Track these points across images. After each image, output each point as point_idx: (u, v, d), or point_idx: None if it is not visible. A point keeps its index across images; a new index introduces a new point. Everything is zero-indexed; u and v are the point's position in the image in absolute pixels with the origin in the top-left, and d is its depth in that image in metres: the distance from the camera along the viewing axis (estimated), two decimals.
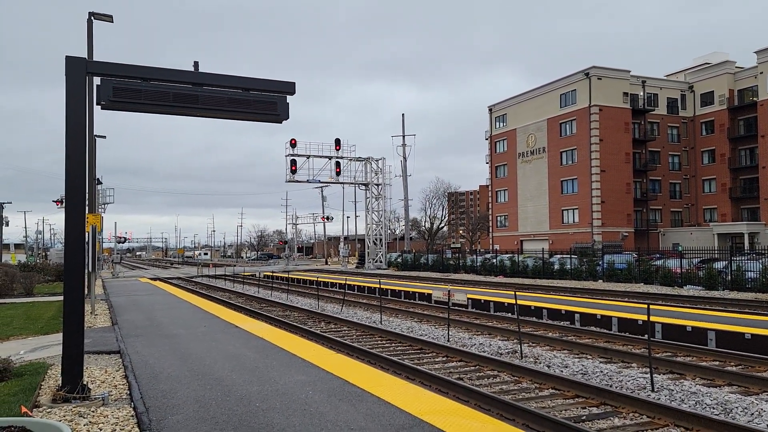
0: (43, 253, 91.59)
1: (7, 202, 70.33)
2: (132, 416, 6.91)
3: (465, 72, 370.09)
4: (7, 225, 71.49)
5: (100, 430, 6.40)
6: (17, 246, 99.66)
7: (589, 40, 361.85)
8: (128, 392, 8.08)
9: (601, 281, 35.48)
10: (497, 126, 74.66)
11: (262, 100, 8.15)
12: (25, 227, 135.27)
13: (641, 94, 63.58)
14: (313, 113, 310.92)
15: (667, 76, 70.04)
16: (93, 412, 7.04)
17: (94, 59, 19.80)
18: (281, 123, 8.48)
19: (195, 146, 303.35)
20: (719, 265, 30.51)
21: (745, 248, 48.05)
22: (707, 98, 64.75)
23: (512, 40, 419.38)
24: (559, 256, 43.17)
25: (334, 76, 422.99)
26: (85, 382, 7.57)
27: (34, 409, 7.06)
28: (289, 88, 8.32)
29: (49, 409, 7.08)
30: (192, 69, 7.97)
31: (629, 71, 62.42)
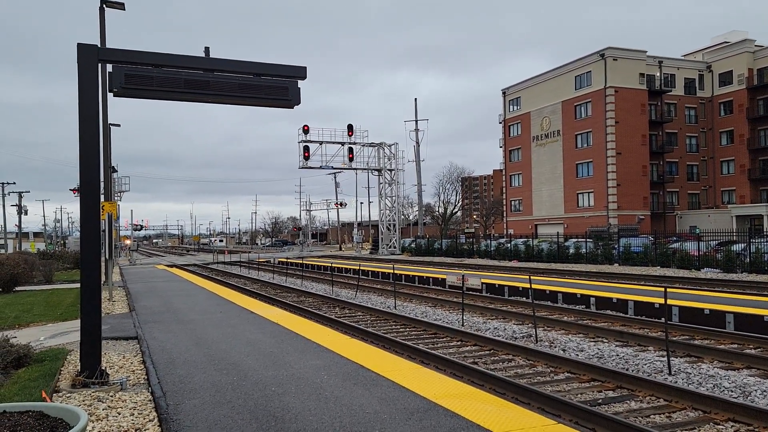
0: (62, 242, 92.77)
1: (26, 191, 71.31)
2: (150, 401, 7.00)
3: (493, 59, 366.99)
4: (26, 214, 72.51)
5: (119, 414, 6.48)
6: (36, 234, 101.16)
7: (619, 27, 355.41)
8: (146, 377, 8.18)
9: (617, 265, 35.21)
10: (511, 109, 73.94)
11: (274, 86, 8.10)
12: (44, 216, 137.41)
13: (658, 74, 62.51)
14: (341, 101, 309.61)
15: (684, 56, 68.75)
16: (111, 396, 7.14)
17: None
18: (293, 108, 8.44)
19: (224, 135, 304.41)
20: (737, 247, 30.14)
21: (765, 230, 47.35)
22: (726, 78, 63.54)
23: (542, 27, 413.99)
24: (574, 240, 42.88)
25: (364, 64, 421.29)
26: (103, 368, 7.66)
27: (54, 394, 7.17)
28: (300, 72, 8.25)
29: (69, 394, 7.19)
30: (203, 55, 7.95)
31: (645, 51, 61.33)
